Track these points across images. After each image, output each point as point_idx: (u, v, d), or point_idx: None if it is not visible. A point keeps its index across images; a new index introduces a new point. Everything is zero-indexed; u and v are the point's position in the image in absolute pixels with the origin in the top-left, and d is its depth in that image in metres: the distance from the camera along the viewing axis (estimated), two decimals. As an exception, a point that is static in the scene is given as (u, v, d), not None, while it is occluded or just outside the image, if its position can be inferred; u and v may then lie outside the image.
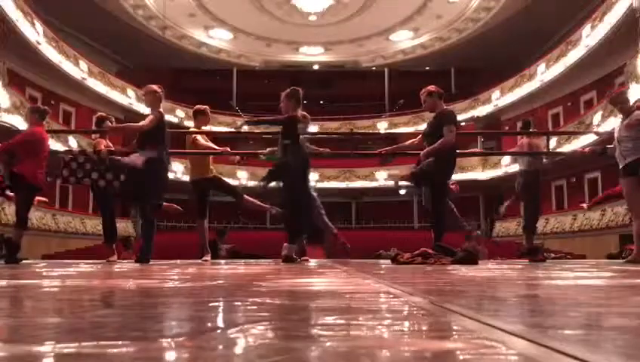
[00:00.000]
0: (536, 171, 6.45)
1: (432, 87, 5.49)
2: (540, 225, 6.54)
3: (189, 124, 21.19)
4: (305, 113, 5.66)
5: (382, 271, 3.31)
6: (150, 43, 21.94)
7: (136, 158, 5.18)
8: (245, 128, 6.55)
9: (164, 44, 21.66)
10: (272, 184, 5.33)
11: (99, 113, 6.62)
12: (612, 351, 0.72)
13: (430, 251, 4.84)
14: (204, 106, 6.26)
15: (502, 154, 19.89)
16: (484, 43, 21.82)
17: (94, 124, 6.29)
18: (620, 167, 5.31)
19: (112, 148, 6.01)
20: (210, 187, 6.11)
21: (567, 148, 15.16)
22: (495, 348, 0.71)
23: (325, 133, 19.40)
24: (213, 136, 6.78)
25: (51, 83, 18.22)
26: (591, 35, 16.44)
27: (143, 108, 21.70)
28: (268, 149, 6.26)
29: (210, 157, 6.20)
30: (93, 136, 7.06)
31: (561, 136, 16.50)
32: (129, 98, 20.90)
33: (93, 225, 17.91)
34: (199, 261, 5.81)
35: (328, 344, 0.74)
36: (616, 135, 5.37)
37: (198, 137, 6.11)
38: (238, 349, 0.72)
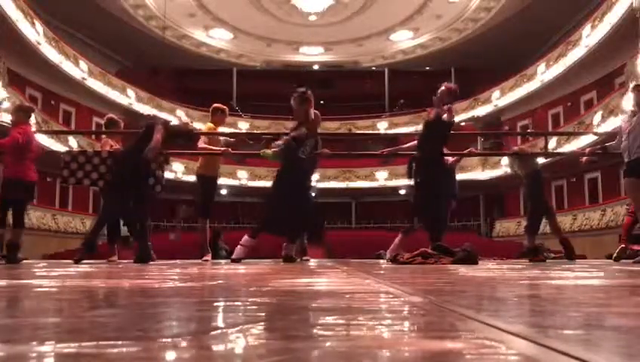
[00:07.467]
0: (535, 172, 6.48)
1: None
2: (540, 225, 6.57)
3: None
4: (317, 112, 5.62)
5: (382, 271, 3.31)
6: (150, 43, 21.90)
7: None
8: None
9: (164, 44, 21.61)
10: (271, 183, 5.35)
11: (108, 115, 6.70)
12: (612, 351, 0.72)
13: (430, 251, 4.84)
14: (224, 106, 6.51)
15: (500, 155, 19.81)
16: (484, 43, 21.79)
17: (104, 125, 6.45)
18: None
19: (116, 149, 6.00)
20: (211, 185, 6.22)
21: (567, 148, 15.16)
22: (495, 348, 0.71)
23: (325, 133, 19.39)
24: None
25: (51, 83, 18.19)
26: (591, 35, 16.42)
27: (143, 109, 21.76)
28: (273, 145, 6.17)
29: (220, 159, 6.36)
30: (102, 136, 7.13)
31: (561, 136, 16.51)
32: (129, 98, 20.89)
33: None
34: (199, 261, 5.81)
35: (328, 344, 0.74)
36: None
37: (203, 138, 6.20)
38: (238, 349, 0.72)
